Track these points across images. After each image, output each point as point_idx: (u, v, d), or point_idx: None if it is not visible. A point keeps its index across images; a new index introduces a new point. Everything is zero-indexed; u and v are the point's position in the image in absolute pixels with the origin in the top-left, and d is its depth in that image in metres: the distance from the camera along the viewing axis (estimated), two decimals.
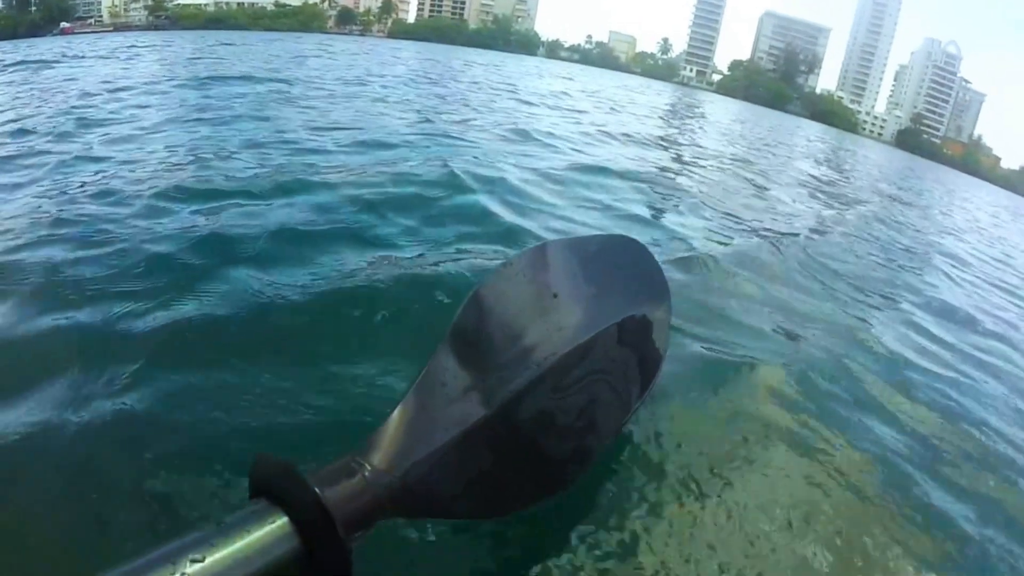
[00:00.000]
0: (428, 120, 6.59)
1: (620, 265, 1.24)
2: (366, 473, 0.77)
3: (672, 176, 5.64)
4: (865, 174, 12.37)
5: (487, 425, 0.90)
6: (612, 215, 3.73)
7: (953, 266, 5.17)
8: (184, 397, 1.46)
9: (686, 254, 3.05)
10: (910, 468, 1.68)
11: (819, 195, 6.98)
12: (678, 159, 7.11)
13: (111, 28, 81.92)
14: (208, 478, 1.20)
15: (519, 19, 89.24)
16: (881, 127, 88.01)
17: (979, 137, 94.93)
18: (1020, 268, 6.63)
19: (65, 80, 9.35)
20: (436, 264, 2.31)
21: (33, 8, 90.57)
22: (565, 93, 13.97)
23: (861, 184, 10.01)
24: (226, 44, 21.87)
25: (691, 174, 6.13)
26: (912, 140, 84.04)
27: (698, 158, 7.50)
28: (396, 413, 0.87)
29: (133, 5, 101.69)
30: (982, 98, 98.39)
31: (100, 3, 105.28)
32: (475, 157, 4.64)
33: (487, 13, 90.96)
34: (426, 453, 0.83)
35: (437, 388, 0.91)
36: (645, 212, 4.03)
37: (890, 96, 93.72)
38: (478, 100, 9.69)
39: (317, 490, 0.66)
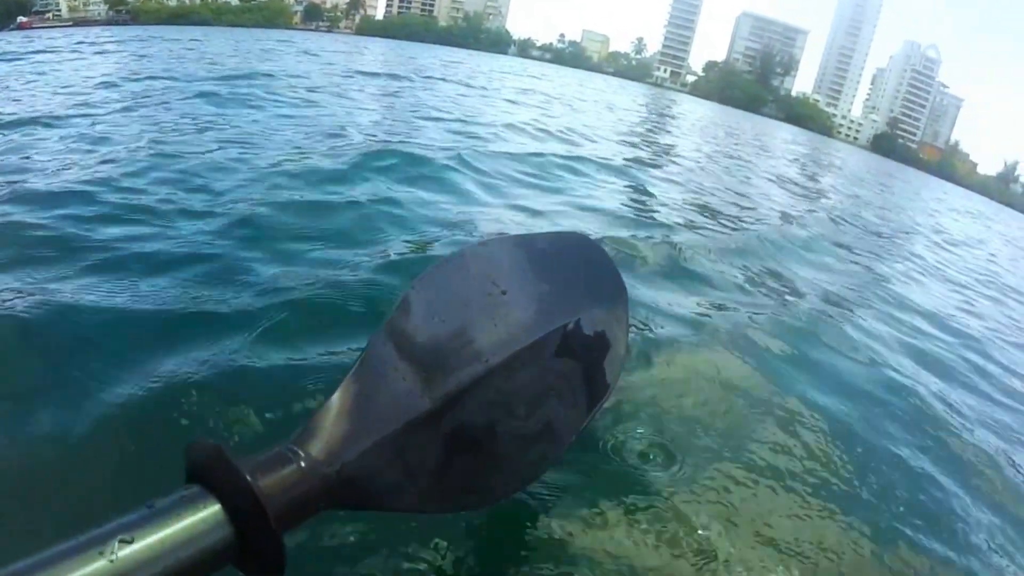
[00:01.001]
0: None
1: (573, 263, 1.20)
2: (302, 463, 0.73)
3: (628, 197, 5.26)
4: (829, 187, 11.52)
5: (431, 418, 0.88)
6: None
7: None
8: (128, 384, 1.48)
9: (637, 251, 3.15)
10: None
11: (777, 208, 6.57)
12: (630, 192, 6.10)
13: (70, 23, 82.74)
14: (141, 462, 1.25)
15: (490, 17, 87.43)
16: (857, 131, 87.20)
17: (956, 143, 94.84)
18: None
19: None
20: (360, 260, 2.42)
21: None
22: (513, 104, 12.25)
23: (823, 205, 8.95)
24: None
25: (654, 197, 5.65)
26: (888, 144, 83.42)
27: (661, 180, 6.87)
28: (334, 401, 0.84)
29: (92, 0, 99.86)
30: (960, 103, 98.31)
31: None
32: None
33: (457, 10, 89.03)
34: (366, 445, 0.81)
35: (377, 377, 0.89)
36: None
37: (867, 100, 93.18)
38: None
39: (250, 478, 0.64)
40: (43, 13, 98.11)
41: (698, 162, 8.83)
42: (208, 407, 1.37)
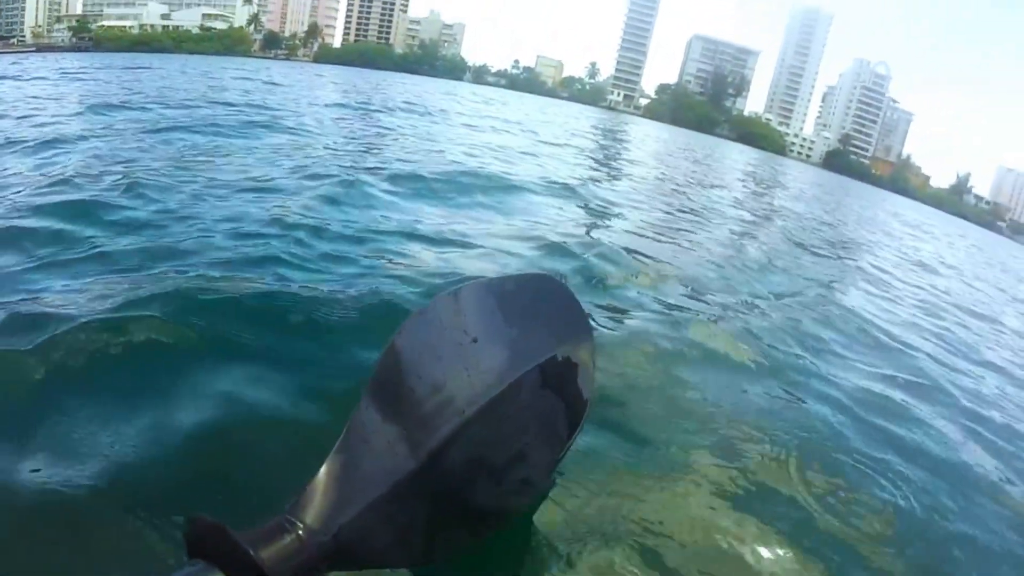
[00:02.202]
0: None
1: (540, 304, 1.23)
2: (300, 532, 0.78)
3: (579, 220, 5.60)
4: (767, 205, 12.13)
5: (415, 477, 0.92)
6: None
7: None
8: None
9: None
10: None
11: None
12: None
13: (34, 48, 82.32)
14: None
15: (445, 44, 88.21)
16: (810, 148, 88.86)
17: (908, 156, 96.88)
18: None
19: None
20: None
21: None
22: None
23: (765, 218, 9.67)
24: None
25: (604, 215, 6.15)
26: (840, 161, 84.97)
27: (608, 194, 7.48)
28: (324, 470, 0.88)
29: (57, 26, 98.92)
30: (910, 117, 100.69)
31: (23, 23, 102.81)
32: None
33: (413, 38, 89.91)
34: (357, 510, 0.85)
35: (362, 443, 0.92)
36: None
37: (818, 117, 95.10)
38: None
39: (252, 552, 0.68)
40: (7, 39, 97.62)
41: (649, 183, 9.54)
42: (202, 464, 1.46)
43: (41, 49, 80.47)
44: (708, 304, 3.53)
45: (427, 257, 3.31)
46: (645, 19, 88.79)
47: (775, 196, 14.71)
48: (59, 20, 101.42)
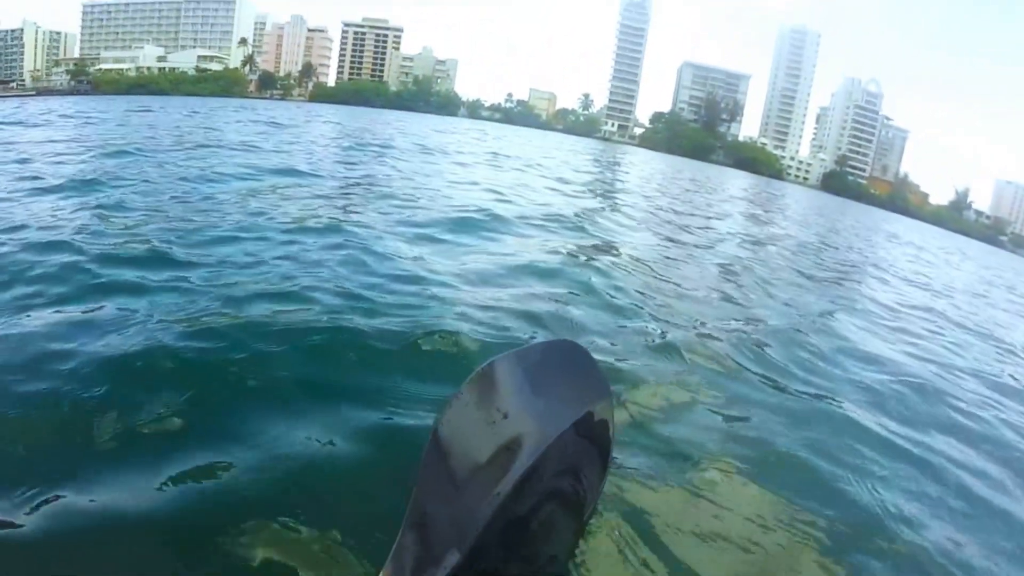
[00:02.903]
0: None
1: (563, 370, 1.30)
2: None
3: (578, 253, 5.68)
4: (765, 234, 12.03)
5: (463, 569, 0.99)
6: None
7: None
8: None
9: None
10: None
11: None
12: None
13: (33, 92, 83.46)
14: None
15: (439, 80, 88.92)
16: (807, 171, 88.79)
17: (905, 175, 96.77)
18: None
19: None
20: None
21: None
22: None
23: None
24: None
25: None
26: (838, 182, 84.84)
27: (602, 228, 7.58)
28: (390, 560, 0.99)
29: (55, 70, 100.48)
30: (905, 135, 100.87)
31: (22, 67, 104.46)
32: None
33: (407, 74, 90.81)
34: None
35: (417, 534, 1.01)
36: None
37: (813, 139, 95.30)
38: None
39: None
40: (7, 82, 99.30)
41: (649, 215, 9.85)
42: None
43: (41, 93, 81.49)
44: (712, 334, 3.65)
45: (449, 295, 3.52)
46: (635, 48, 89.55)
47: (774, 222, 14.92)
48: (57, 64, 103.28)
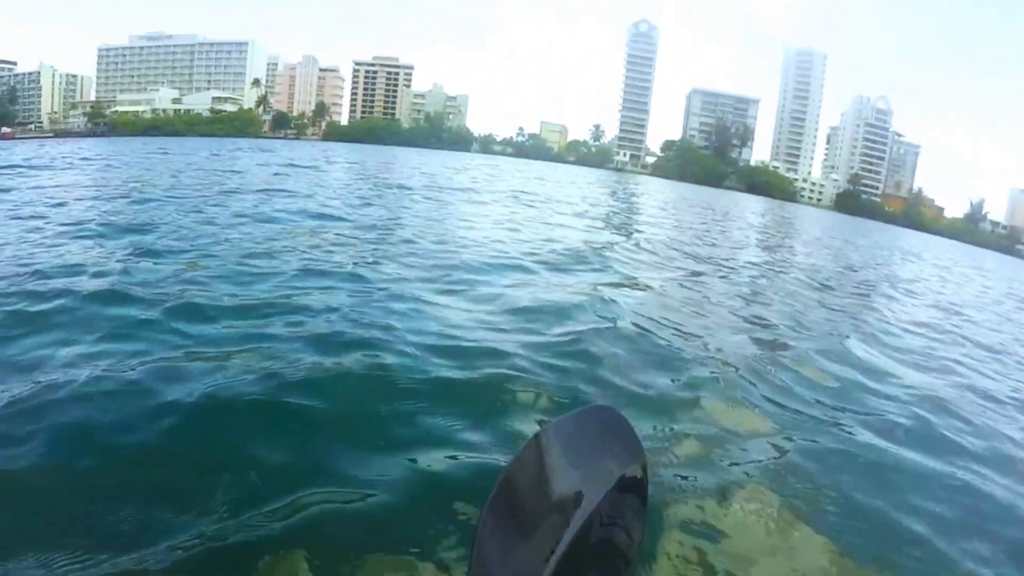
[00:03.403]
0: None
1: (601, 434, 1.40)
2: None
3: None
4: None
5: None
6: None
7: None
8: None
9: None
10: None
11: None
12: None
13: (51, 134, 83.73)
14: None
15: (450, 116, 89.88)
16: (820, 192, 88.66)
17: (919, 190, 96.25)
18: None
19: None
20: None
21: None
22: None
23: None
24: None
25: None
26: (852, 202, 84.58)
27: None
28: None
29: (72, 112, 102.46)
30: (917, 149, 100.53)
31: (40, 109, 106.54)
32: None
33: (418, 111, 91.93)
34: None
35: None
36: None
37: (825, 159, 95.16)
38: None
39: None
40: (25, 124, 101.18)
41: (669, 245, 10.13)
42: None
43: (58, 134, 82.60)
44: (741, 367, 3.76)
45: (495, 340, 3.68)
46: (643, 78, 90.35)
47: (791, 248, 15.16)
48: (74, 106, 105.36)
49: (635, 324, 4.40)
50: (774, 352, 4.37)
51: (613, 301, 5.04)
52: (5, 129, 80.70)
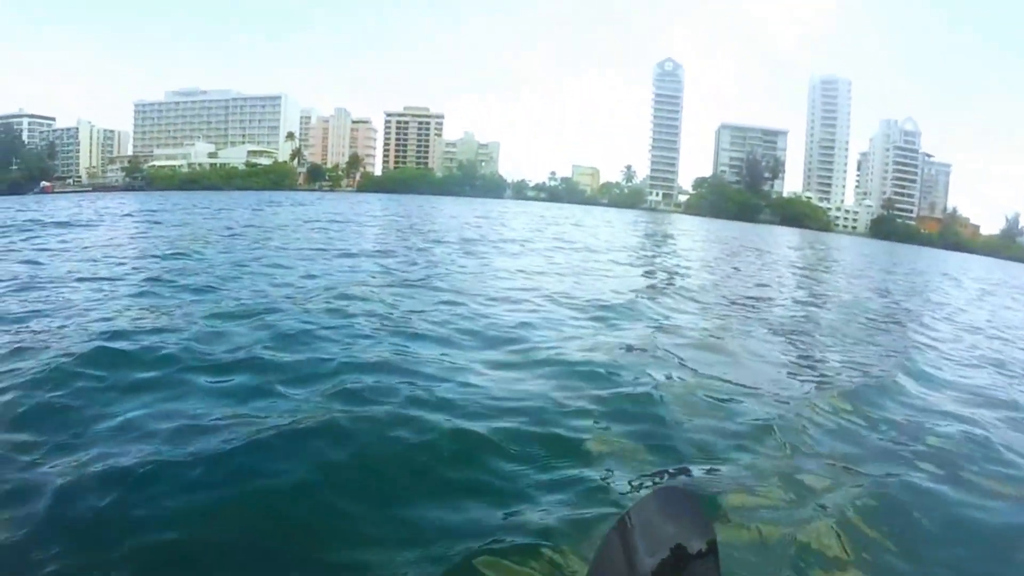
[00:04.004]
0: None
1: (676, 516, 1.47)
2: None
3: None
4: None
5: None
6: None
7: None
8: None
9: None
10: None
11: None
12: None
13: (90, 188, 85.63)
14: None
15: (483, 163, 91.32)
16: (854, 220, 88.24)
17: (954, 209, 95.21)
18: None
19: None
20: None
21: (14, 167, 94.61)
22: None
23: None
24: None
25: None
26: (887, 227, 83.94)
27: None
28: None
29: (110, 167, 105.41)
30: (948, 168, 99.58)
31: (78, 163, 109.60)
32: None
33: (451, 159, 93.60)
34: None
35: None
36: None
37: (857, 186, 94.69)
38: None
39: None
40: (64, 178, 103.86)
41: (712, 285, 10.16)
42: None
43: (97, 189, 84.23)
44: (803, 412, 3.83)
45: (560, 394, 3.87)
46: (671, 116, 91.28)
47: (828, 280, 15.18)
48: (112, 161, 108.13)
49: (689, 376, 4.47)
50: (829, 397, 4.34)
51: (669, 353, 5.10)
52: (45, 183, 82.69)
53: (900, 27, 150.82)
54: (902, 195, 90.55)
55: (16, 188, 77.05)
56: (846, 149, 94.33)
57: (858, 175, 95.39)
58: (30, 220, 17.06)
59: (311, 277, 7.99)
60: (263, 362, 4.09)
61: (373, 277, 8.31)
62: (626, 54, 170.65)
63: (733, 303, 8.56)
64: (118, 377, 3.64)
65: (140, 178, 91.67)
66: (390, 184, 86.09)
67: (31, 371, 3.63)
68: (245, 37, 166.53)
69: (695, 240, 27.24)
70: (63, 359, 3.84)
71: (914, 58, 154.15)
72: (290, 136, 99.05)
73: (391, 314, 5.93)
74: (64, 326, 4.92)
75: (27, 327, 4.93)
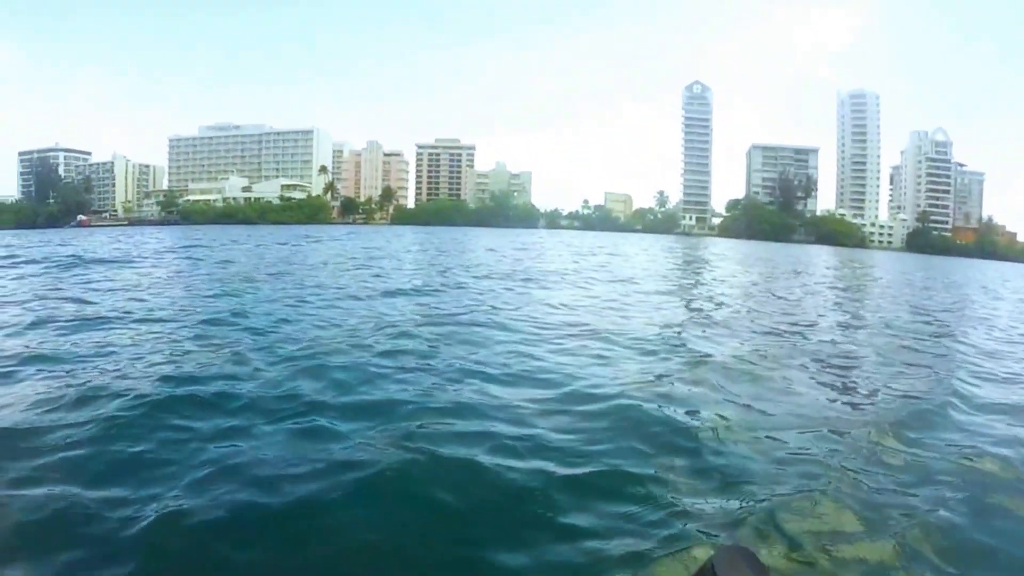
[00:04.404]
0: None
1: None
2: None
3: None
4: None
5: None
6: None
7: None
8: None
9: None
10: None
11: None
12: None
13: (125, 222, 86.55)
14: None
15: (515, 193, 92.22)
16: (890, 234, 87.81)
17: (989, 218, 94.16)
18: None
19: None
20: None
21: (51, 200, 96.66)
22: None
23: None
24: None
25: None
26: (922, 239, 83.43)
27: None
28: None
29: (145, 201, 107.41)
30: (982, 177, 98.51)
31: (114, 197, 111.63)
32: None
33: (483, 190, 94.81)
34: None
35: None
36: None
37: (890, 200, 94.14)
38: None
39: None
40: (100, 212, 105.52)
41: (755, 315, 10.00)
42: None
43: (132, 223, 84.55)
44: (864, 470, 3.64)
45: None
46: (702, 140, 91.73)
47: (867, 300, 14.94)
48: (147, 195, 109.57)
49: (742, 412, 4.47)
50: (882, 424, 4.30)
51: (722, 387, 5.09)
52: (81, 217, 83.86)
53: (924, 39, 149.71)
54: (936, 206, 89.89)
55: (53, 221, 79.35)
56: (878, 163, 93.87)
57: (891, 189, 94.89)
58: (71, 255, 17.37)
59: (364, 317, 7.96)
60: (335, 406, 4.18)
61: (423, 316, 8.27)
62: (654, 80, 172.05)
63: (778, 331, 8.49)
64: (195, 425, 3.72)
65: (175, 212, 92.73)
66: (423, 216, 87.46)
67: (107, 419, 3.68)
68: (277, 72, 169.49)
69: (732, 263, 26.51)
70: (137, 407, 3.89)
71: (940, 68, 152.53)
72: (323, 169, 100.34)
73: (447, 353, 5.97)
74: (129, 370, 4.92)
75: (93, 370, 4.94)
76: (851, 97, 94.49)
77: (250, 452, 3.32)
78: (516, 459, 3.33)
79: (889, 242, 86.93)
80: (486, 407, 4.24)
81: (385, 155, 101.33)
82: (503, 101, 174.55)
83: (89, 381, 4.48)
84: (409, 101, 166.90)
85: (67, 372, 4.78)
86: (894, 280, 23.46)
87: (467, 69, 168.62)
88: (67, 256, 17.12)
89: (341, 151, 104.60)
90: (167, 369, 4.90)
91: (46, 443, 3.32)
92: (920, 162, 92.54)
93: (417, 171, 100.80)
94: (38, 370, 4.84)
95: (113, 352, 5.50)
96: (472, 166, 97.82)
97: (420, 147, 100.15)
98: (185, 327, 6.85)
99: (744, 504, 2.98)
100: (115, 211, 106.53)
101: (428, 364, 5.40)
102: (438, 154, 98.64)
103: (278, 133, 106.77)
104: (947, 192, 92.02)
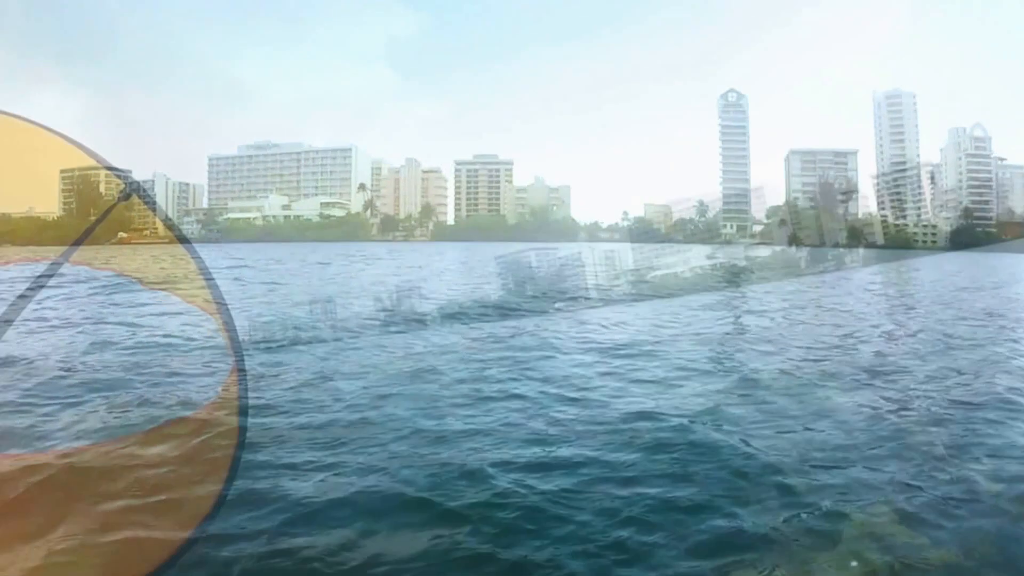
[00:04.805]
0: None
1: None
2: None
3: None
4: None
5: None
6: None
7: None
8: None
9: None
10: None
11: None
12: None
13: (166, 240, 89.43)
14: None
15: (554, 207, 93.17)
16: (933, 234, 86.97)
17: None
18: None
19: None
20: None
21: (92, 217, 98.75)
22: None
23: None
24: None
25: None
26: (967, 237, 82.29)
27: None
28: None
29: (185, 219, 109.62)
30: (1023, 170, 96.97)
31: (154, 215, 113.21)
32: None
33: (522, 205, 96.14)
34: None
35: None
36: None
37: (932, 199, 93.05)
38: None
39: None
40: (141, 230, 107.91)
41: (815, 333, 9.65)
42: None
43: (173, 241, 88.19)
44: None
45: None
46: (740, 148, 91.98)
47: (915, 307, 14.59)
48: (187, 213, 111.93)
49: (799, 434, 4.47)
50: (944, 438, 4.34)
51: (785, 415, 5.00)
52: (122, 234, 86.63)
53: (956, 34, 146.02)
54: (979, 202, 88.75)
55: (94, 239, 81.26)
56: (918, 163, 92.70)
57: (932, 188, 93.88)
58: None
59: (440, 351, 7.66)
60: (447, 434, 4.36)
61: (495, 341, 8.33)
62: (690, 89, 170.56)
63: (830, 346, 8.44)
64: (299, 458, 3.85)
65: (216, 230, 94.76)
66: (463, 233, 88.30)
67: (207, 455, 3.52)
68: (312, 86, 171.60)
69: (774, 271, 25.93)
70: (220, 435, 3.60)
71: (974, 63, 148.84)
72: (362, 187, 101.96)
73: (537, 382, 6.03)
74: (206, 397, 5.00)
75: (163, 397, 5.07)
76: (887, 97, 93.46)
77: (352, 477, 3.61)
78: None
79: (933, 242, 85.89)
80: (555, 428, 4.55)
81: (424, 172, 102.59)
82: (540, 114, 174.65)
83: (168, 412, 4.70)
84: (446, 118, 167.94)
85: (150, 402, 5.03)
86: (942, 282, 22.48)
87: (505, 83, 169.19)
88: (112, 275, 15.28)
89: (380, 169, 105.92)
90: (253, 400, 4.94)
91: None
92: (960, 159, 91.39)
93: (456, 187, 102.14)
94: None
95: (183, 382, 5.72)
96: (511, 181, 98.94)
97: (459, 163, 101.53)
98: (252, 353, 7.05)
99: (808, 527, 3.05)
100: (155, 229, 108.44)
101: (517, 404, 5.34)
102: (476, 170, 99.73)
103: (316, 151, 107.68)
104: (989, 187, 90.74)
